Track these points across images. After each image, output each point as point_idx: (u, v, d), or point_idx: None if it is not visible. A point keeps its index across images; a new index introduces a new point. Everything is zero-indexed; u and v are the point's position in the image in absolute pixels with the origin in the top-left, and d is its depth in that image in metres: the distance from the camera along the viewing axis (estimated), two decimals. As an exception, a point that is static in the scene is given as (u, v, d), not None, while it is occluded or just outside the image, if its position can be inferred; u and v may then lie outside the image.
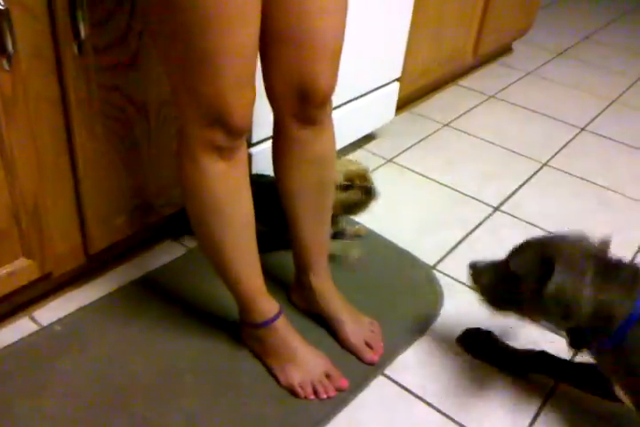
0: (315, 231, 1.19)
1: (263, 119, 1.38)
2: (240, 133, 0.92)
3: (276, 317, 1.12)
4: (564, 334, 1.04)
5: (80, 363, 1.12)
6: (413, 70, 1.96)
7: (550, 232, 1.11)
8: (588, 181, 1.87)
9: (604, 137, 2.13)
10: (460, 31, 2.12)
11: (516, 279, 1.01)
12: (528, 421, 1.12)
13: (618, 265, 0.97)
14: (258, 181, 1.37)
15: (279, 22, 0.91)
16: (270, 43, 0.94)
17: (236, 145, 0.94)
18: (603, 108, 2.33)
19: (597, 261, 0.95)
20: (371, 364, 1.19)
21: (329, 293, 1.24)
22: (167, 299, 1.28)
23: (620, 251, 1.55)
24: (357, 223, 1.51)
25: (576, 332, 1.00)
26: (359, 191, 1.32)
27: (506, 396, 1.16)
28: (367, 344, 1.21)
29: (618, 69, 2.68)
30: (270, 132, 1.10)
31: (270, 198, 1.30)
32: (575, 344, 1.01)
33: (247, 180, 1.01)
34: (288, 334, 1.13)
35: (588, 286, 0.91)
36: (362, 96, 1.75)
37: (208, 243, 1.05)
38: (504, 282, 1.05)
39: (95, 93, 1.05)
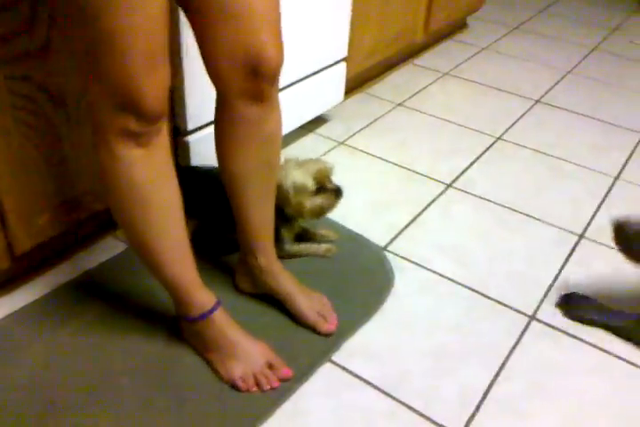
0: (262, 214, 1.16)
1: (201, 104, 1.34)
2: (154, 118, 0.87)
3: (214, 309, 1.07)
4: None
5: (7, 373, 1.06)
6: (361, 50, 1.91)
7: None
8: (542, 152, 1.84)
9: (559, 108, 2.10)
10: (408, 10, 2.07)
11: None
12: (475, 403, 1.09)
13: None
14: (192, 173, 1.33)
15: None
16: (206, 21, 0.90)
17: (152, 130, 0.89)
18: (557, 79, 2.30)
19: None
20: (328, 334, 1.17)
21: (278, 271, 1.21)
22: (104, 299, 1.23)
23: (574, 220, 1.54)
24: (328, 227, 1.45)
25: None
26: (331, 195, 1.27)
27: (454, 379, 1.13)
28: (322, 316, 1.19)
29: (573, 41, 2.65)
30: (205, 120, 1.05)
31: (207, 190, 1.26)
32: None
33: (170, 166, 0.96)
34: (227, 326, 1.08)
35: None
36: (307, 77, 1.70)
37: (133, 235, 1.00)
38: None
39: (2, 85, 0.99)
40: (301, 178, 1.24)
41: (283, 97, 1.61)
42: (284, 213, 1.27)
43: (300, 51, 1.61)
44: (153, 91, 0.84)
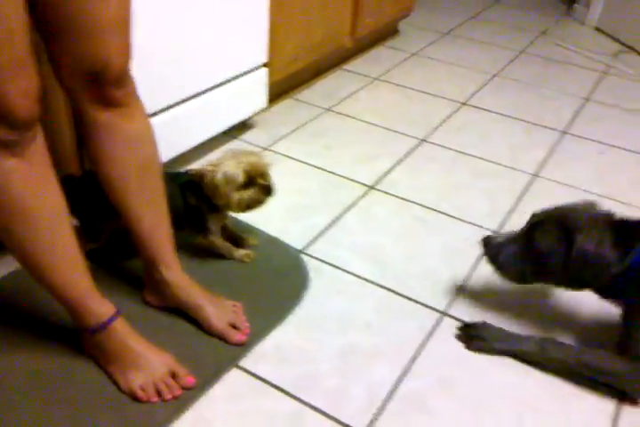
0: (150, 221, 1.13)
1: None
2: (26, 126, 0.85)
3: (113, 318, 1.05)
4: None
5: None
6: (283, 56, 1.91)
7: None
8: (464, 153, 1.86)
9: (484, 110, 2.14)
10: (333, 16, 2.09)
11: (539, 254, 1.10)
12: (382, 401, 1.09)
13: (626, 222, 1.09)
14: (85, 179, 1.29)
15: (55, 12, 0.86)
16: (53, 33, 0.89)
17: (25, 138, 0.86)
18: (484, 82, 2.35)
19: (608, 222, 1.08)
20: (239, 344, 1.15)
21: (184, 283, 1.19)
22: (3, 311, 1.19)
23: (490, 218, 1.56)
24: (250, 233, 1.45)
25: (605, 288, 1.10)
26: (260, 191, 1.26)
27: (362, 377, 1.13)
28: (233, 326, 1.17)
29: (501, 45, 2.71)
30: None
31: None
32: (608, 296, 1.12)
33: (50, 174, 0.93)
34: (128, 335, 1.06)
35: (608, 244, 1.04)
36: (226, 83, 1.70)
37: (16, 248, 0.96)
38: (525, 258, 1.13)
39: None
40: (232, 169, 1.22)
41: (199, 103, 1.63)
42: (213, 203, 1.26)
43: (215, 56, 1.61)
44: (20, 98, 0.82)
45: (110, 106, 0.97)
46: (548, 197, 1.66)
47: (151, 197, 1.10)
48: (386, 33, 2.66)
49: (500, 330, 1.20)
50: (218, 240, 1.33)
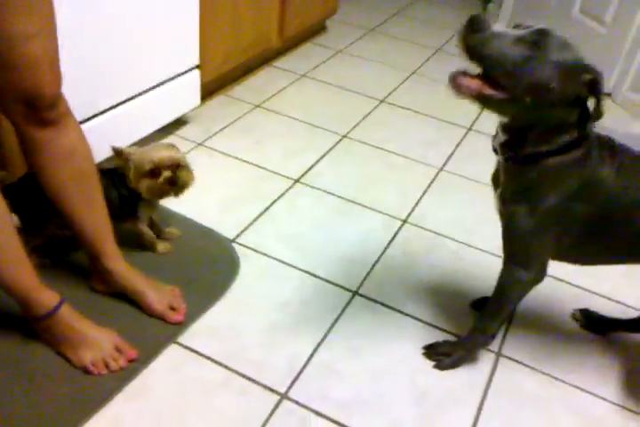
0: (90, 220, 1.27)
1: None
2: None
3: (58, 306, 1.19)
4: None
5: None
6: (215, 57, 2.05)
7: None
8: (380, 148, 2.07)
9: (400, 107, 2.35)
10: (260, 18, 2.23)
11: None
12: (299, 368, 1.29)
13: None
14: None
15: None
16: None
17: None
18: (402, 79, 2.56)
19: None
20: (177, 324, 1.32)
21: (126, 271, 1.34)
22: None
23: (400, 209, 1.77)
24: (171, 226, 1.59)
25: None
26: (165, 182, 1.37)
27: (283, 349, 1.33)
28: (171, 308, 1.34)
29: (422, 42, 2.93)
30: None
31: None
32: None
33: None
34: (73, 319, 1.21)
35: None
36: (160, 84, 1.83)
37: None
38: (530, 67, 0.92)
39: None
40: (140, 158, 1.35)
41: (139, 102, 1.76)
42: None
43: (149, 61, 1.74)
44: None
45: (45, 125, 1.10)
46: (452, 189, 1.90)
47: (89, 200, 1.24)
48: (313, 30, 2.82)
49: (449, 342, 1.35)
50: (145, 228, 1.48)
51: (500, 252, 1.18)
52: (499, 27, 0.97)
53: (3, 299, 1.29)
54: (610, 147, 1.07)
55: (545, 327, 1.47)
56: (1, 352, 1.22)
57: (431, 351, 1.35)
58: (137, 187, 1.38)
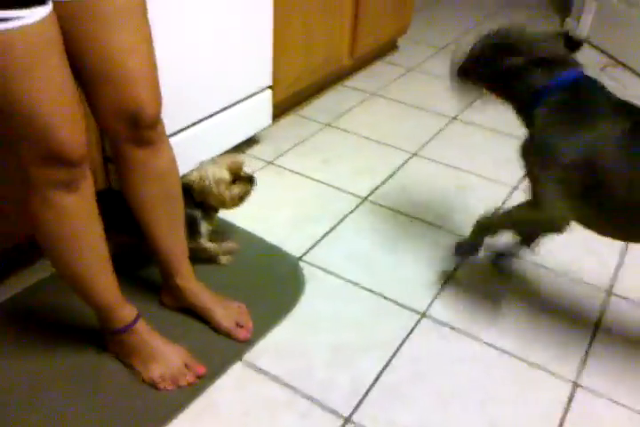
0: (171, 241, 1.31)
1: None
2: (79, 164, 1.00)
3: (135, 321, 1.23)
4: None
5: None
6: (287, 78, 2.09)
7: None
8: (450, 166, 2.03)
9: (473, 124, 2.30)
10: (332, 37, 2.26)
11: (482, 59, 1.28)
12: (364, 390, 1.27)
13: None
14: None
15: (92, 66, 1.01)
16: (90, 83, 1.04)
17: (78, 176, 1.01)
18: (474, 97, 2.51)
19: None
20: (244, 341, 1.34)
21: (196, 289, 1.37)
22: (33, 318, 1.37)
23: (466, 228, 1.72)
24: (227, 239, 1.61)
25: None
26: (246, 182, 1.47)
27: (349, 370, 1.31)
28: (239, 325, 1.35)
29: (494, 59, 2.86)
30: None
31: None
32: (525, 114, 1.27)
33: (95, 206, 1.09)
34: (147, 334, 1.24)
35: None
36: (234, 105, 1.88)
37: (63, 267, 1.13)
38: (475, 62, 1.31)
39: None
40: (218, 171, 1.43)
41: (213, 122, 1.81)
42: (205, 208, 1.47)
43: (225, 82, 1.79)
44: (74, 139, 0.96)
45: (143, 145, 1.14)
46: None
47: (172, 220, 1.28)
48: (385, 49, 2.83)
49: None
50: (208, 243, 1.52)
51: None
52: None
53: (74, 311, 1.34)
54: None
55: (629, 355, 1.38)
56: (72, 364, 1.27)
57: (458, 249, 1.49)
58: (222, 199, 1.43)
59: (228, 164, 1.46)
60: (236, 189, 1.46)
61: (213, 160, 1.48)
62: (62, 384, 1.22)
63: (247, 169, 1.50)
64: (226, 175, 1.44)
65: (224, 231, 1.64)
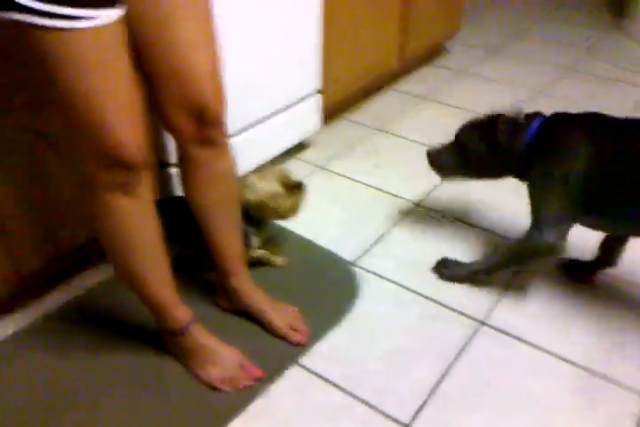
0: (229, 241, 1.31)
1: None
2: (138, 168, 1.01)
3: (190, 323, 1.23)
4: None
5: (16, 383, 1.23)
6: (336, 81, 2.09)
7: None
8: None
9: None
10: (381, 42, 2.25)
11: (467, 149, 1.45)
12: (424, 398, 1.24)
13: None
14: (175, 203, 1.47)
15: (158, 60, 1.03)
16: (156, 78, 1.05)
17: (137, 179, 1.02)
18: (526, 99, 2.46)
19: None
20: (299, 344, 1.33)
21: (250, 290, 1.37)
22: (96, 320, 1.39)
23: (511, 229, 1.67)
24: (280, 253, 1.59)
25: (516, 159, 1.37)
26: (298, 190, 1.46)
27: (407, 376, 1.28)
28: (293, 328, 1.35)
29: (544, 61, 2.81)
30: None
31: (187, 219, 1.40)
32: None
33: (153, 210, 1.10)
34: (203, 336, 1.24)
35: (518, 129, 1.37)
36: (285, 109, 1.88)
37: (120, 267, 1.15)
38: (458, 156, 1.49)
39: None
40: (270, 186, 1.42)
41: (264, 126, 1.82)
42: (258, 222, 1.45)
43: (275, 86, 1.79)
44: (134, 143, 0.97)
45: (207, 144, 1.14)
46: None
47: (230, 221, 1.29)
48: (434, 52, 2.80)
49: (456, 262, 1.54)
50: (258, 252, 1.51)
51: None
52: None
53: (137, 313, 1.36)
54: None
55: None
56: (134, 365, 1.28)
57: (439, 264, 1.55)
58: (283, 213, 1.44)
59: (277, 176, 1.44)
60: (292, 200, 1.45)
61: (260, 175, 1.45)
62: (124, 385, 1.24)
63: (294, 176, 1.48)
64: (279, 188, 1.42)
65: (276, 235, 1.64)
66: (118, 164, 0.98)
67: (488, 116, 1.44)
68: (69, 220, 1.38)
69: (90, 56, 0.87)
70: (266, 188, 1.42)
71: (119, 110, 0.95)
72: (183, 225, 1.34)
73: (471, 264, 1.51)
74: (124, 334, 1.35)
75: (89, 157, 0.98)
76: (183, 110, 1.08)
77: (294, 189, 1.46)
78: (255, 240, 1.49)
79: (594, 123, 1.30)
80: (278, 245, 1.60)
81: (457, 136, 1.50)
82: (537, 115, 1.38)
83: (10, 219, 1.26)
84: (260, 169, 1.52)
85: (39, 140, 1.24)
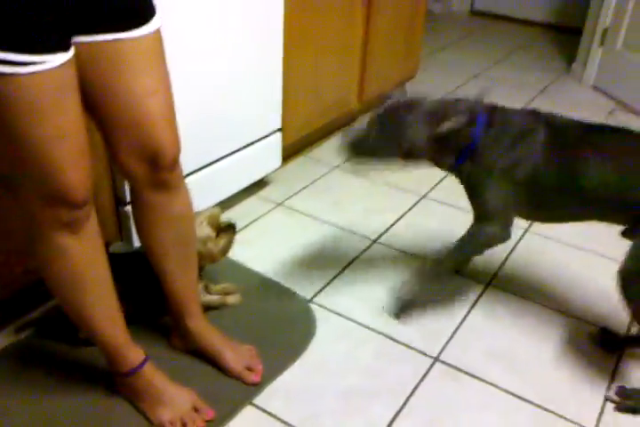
0: (183, 282, 1.31)
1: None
2: (82, 205, 1.00)
3: (142, 364, 1.21)
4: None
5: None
6: (296, 121, 2.12)
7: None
8: (460, 208, 2.04)
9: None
10: (341, 83, 2.31)
11: (403, 136, 1.32)
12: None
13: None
14: (121, 259, 1.44)
15: (112, 108, 1.02)
16: (110, 125, 1.05)
17: (82, 216, 1.01)
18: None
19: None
20: (254, 384, 1.31)
21: (205, 331, 1.35)
22: (45, 359, 1.36)
23: (484, 271, 1.70)
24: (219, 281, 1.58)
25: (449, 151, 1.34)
26: (229, 232, 1.45)
27: (361, 416, 1.28)
28: (248, 368, 1.33)
29: (500, 102, 2.90)
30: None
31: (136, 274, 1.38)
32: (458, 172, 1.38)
33: (100, 245, 1.09)
34: (155, 377, 1.22)
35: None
36: (245, 147, 1.91)
37: (69, 307, 1.13)
38: (391, 140, 1.35)
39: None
40: (201, 230, 1.40)
41: (222, 165, 1.84)
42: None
43: (236, 125, 1.82)
44: (78, 183, 0.97)
45: (162, 188, 1.14)
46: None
47: (186, 263, 1.29)
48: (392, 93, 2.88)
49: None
50: (207, 297, 1.49)
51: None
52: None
53: (87, 352, 1.33)
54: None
55: None
56: (84, 406, 1.25)
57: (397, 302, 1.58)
58: (213, 257, 1.42)
59: (207, 219, 1.42)
60: (222, 242, 1.44)
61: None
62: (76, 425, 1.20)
63: (224, 218, 1.47)
64: (209, 232, 1.41)
65: (225, 271, 1.63)
66: (64, 203, 0.97)
67: (434, 103, 1.35)
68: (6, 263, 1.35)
69: (37, 99, 0.87)
70: (197, 233, 1.39)
71: (67, 152, 0.94)
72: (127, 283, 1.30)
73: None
74: (74, 374, 1.32)
75: (31, 196, 0.97)
76: (137, 156, 1.08)
77: (224, 230, 1.44)
78: (201, 286, 1.47)
79: (537, 117, 1.37)
80: (233, 284, 1.60)
81: (391, 120, 1.36)
82: (481, 108, 1.37)
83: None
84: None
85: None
